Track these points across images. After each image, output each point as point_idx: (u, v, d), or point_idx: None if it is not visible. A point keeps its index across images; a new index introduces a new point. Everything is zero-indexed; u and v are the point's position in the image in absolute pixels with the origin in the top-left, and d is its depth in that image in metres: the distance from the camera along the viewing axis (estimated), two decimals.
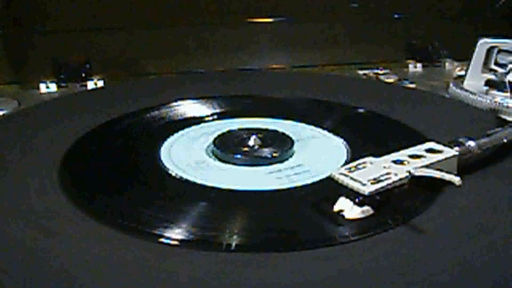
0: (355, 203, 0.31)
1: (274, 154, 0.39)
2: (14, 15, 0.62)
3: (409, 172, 0.31)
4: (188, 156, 0.40)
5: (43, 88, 0.59)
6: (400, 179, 0.31)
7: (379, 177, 0.31)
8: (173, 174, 0.37)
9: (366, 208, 0.31)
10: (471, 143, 0.35)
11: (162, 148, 0.41)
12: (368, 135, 0.44)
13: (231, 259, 0.28)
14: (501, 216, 0.32)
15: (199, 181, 0.36)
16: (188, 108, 0.49)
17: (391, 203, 0.32)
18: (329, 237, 0.30)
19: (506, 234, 0.30)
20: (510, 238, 0.29)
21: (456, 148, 0.35)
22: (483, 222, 0.31)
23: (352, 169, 0.32)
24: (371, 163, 0.32)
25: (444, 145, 0.35)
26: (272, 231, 0.31)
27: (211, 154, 0.40)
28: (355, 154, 0.39)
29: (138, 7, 0.65)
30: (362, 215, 0.31)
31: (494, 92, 0.54)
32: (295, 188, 0.36)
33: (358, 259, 0.28)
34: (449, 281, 0.26)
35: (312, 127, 0.45)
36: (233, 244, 0.29)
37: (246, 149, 0.40)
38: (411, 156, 0.33)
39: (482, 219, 0.31)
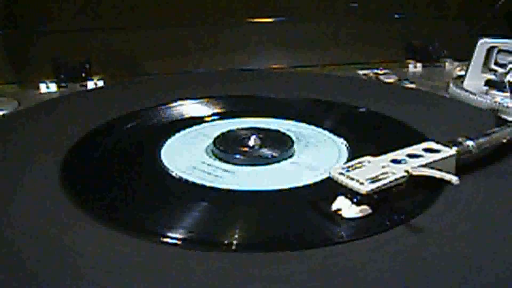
0: (353, 202, 0.31)
1: (274, 154, 0.39)
2: (14, 15, 0.62)
3: (407, 171, 0.31)
4: (188, 157, 0.40)
5: (43, 88, 0.59)
6: (398, 178, 0.31)
7: (377, 176, 0.31)
8: (174, 175, 0.37)
9: (364, 207, 0.31)
10: (470, 143, 0.35)
11: (163, 149, 0.41)
12: (368, 135, 0.44)
13: (231, 259, 0.28)
14: (501, 216, 0.32)
15: (199, 181, 0.36)
16: (188, 108, 0.49)
17: (389, 202, 0.32)
18: (326, 237, 0.30)
19: (506, 234, 0.30)
20: (510, 238, 0.29)
21: (455, 148, 0.35)
22: (483, 222, 0.31)
23: (351, 168, 0.32)
24: (369, 162, 0.32)
25: (443, 144, 0.35)
26: (272, 231, 0.31)
27: (211, 154, 0.40)
28: (355, 153, 0.39)
29: (138, 7, 0.65)
30: (360, 214, 0.31)
31: (494, 92, 0.54)
32: (295, 188, 0.36)
33: (355, 259, 0.28)
34: (448, 282, 0.26)
35: (312, 127, 0.45)
36: (233, 244, 0.29)
37: (246, 149, 0.40)
38: (410, 156, 0.33)
39: (482, 219, 0.31)
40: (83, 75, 0.61)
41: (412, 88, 0.60)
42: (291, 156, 0.40)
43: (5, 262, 0.27)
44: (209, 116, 0.48)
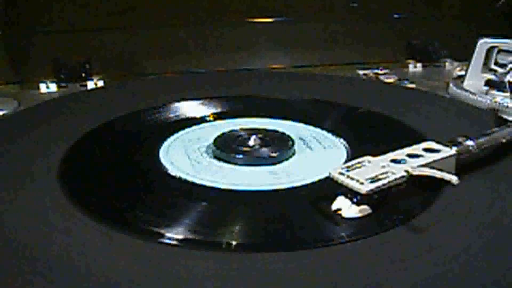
0: (353, 202, 0.31)
1: (274, 154, 0.39)
2: (14, 15, 0.62)
3: (407, 171, 0.31)
4: (188, 156, 0.40)
5: (43, 88, 0.59)
6: (398, 178, 0.31)
7: (377, 176, 0.31)
8: (173, 174, 0.37)
9: (364, 207, 0.31)
10: (470, 143, 0.35)
11: (162, 148, 0.41)
12: (368, 135, 0.44)
13: (231, 259, 0.28)
14: (501, 216, 0.32)
15: (199, 181, 0.36)
16: (188, 108, 0.49)
17: (389, 202, 0.32)
18: (326, 237, 0.30)
19: (506, 234, 0.30)
20: (509, 238, 0.29)
21: (455, 148, 0.35)
22: (482, 222, 0.31)
23: (350, 168, 0.32)
24: (369, 162, 0.32)
25: (443, 144, 0.35)
26: (272, 231, 0.31)
27: (211, 154, 0.40)
28: (355, 153, 0.39)
29: (138, 7, 0.65)
30: (359, 214, 0.31)
31: (494, 92, 0.54)
32: (295, 188, 0.36)
33: (355, 259, 0.28)
34: (448, 282, 0.26)
35: (312, 127, 0.45)
36: (233, 244, 0.29)
37: (246, 149, 0.40)
38: (410, 155, 0.33)
39: (482, 219, 0.31)
40: (83, 75, 0.61)
41: (412, 88, 0.60)
42: (291, 156, 0.40)
43: (4, 262, 0.27)
44: (209, 116, 0.48)
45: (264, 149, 0.40)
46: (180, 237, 0.29)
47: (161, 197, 0.35)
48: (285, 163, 0.39)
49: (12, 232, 0.30)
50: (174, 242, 0.29)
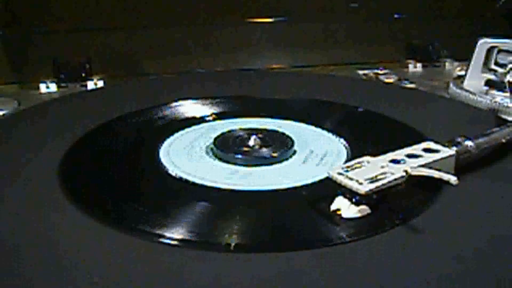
0: (352, 202, 0.31)
1: (274, 154, 0.39)
2: (14, 15, 0.62)
3: (406, 171, 0.32)
4: (188, 156, 0.40)
5: (43, 88, 0.59)
6: (397, 178, 0.31)
7: (376, 176, 0.31)
8: (173, 174, 0.37)
9: (363, 207, 0.31)
10: (469, 143, 0.35)
11: (162, 148, 0.41)
12: (368, 135, 0.44)
13: (231, 259, 0.28)
14: (501, 216, 0.32)
15: (199, 181, 0.36)
16: (188, 108, 0.49)
17: (388, 202, 0.32)
18: (325, 237, 0.30)
19: (505, 234, 0.30)
20: (509, 238, 0.29)
21: (454, 148, 0.35)
22: (482, 222, 0.31)
23: (350, 168, 0.32)
24: (368, 162, 0.32)
25: (442, 144, 0.35)
26: (271, 231, 0.31)
27: (211, 154, 0.40)
28: (355, 154, 0.39)
29: (138, 7, 0.65)
30: (358, 214, 0.31)
31: (494, 92, 0.54)
32: (295, 188, 0.36)
33: (354, 259, 0.28)
34: (448, 282, 0.26)
35: (312, 127, 0.46)
36: (233, 244, 0.29)
37: (246, 149, 0.40)
38: (409, 156, 0.33)
39: (481, 219, 0.31)
40: (83, 75, 0.61)
41: (412, 88, 0.60)
42: (291, 156, 0.40)
43: (4, 261, 0.27)
44: (209, 116, 0.48)
45: (264, 149, 0.40)
46: (180, 237, 0.29)
47: (161, 197, 0.35)
48: (285, 163, 0.39)
49: (12, 232, 0.30)
50: (173, 242, 0.29)
